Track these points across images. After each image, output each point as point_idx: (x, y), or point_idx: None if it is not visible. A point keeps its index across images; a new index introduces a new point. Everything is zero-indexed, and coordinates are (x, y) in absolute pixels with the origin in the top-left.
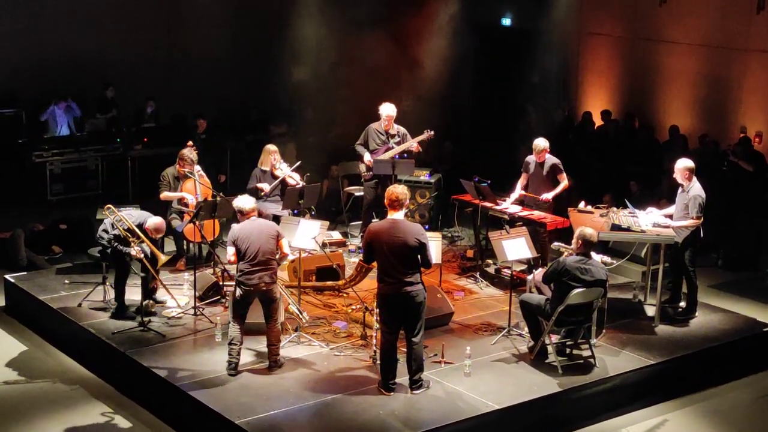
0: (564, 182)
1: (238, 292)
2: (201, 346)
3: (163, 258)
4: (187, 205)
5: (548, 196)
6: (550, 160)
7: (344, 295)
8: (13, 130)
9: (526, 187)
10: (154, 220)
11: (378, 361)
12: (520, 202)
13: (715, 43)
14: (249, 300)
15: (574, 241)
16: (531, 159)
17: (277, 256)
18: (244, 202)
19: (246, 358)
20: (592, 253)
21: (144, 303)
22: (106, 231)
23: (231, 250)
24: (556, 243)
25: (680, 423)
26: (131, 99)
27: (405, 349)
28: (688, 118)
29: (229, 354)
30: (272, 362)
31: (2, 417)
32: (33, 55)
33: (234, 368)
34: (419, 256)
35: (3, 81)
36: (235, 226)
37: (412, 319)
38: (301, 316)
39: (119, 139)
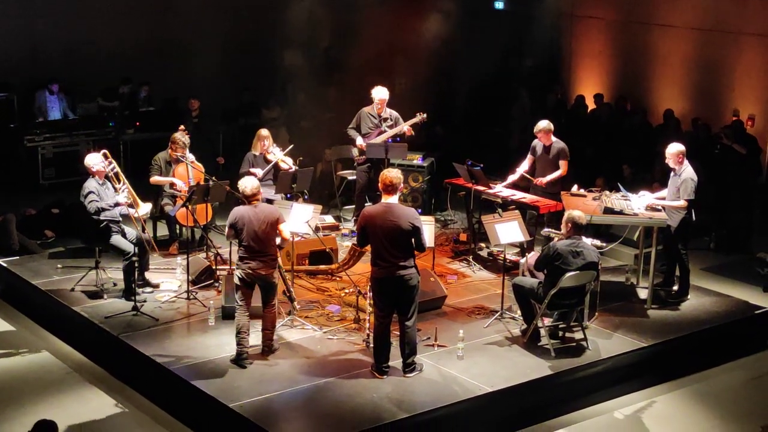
0: (562, 170)
1: (238, 276)
2: (194, 330)
3: (141, 207)
4: (178, 190)
5: (543, 180)
6: (558, 144)
7: (337, 278)
8: (5, 115)
9: (533, 171)
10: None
11: (371, 345)
12: (514, 185)
13: (708, 27)
14: (250, 284)
15: (563, 225)
16: (537, 143)
17: (278, 241)
18: (245, 184)
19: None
20: (583, 237)
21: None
22: (90, 192)
23: (228, 231)
24: (546, 229)
25: (672, 405)
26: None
27: (398, 333)
28: (680, 101)
29: (239, 344)
30: (266, 347)
31: None
32: (24, 39)
33: (246, 358)
34: (413, 240)
35: None
36: (236, 209)
37: (405, 303)
38: (292, 304)
39: (111, 124)
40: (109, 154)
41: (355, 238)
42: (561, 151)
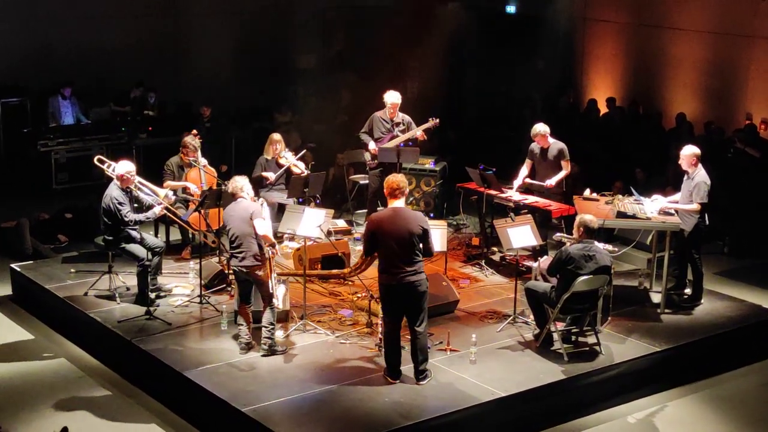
0: (566, 169)
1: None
2: (207, 334)
3: (160, 192)
4: (191, 194)
5: (551, 182)
6: (557, 145)
7: (349, 283)
8: (18, 120)
9: (532, 174)
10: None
11: (383, 349)
12: (526, 189)
13: (720, 30)
14: (240, 278)
15: (574, 229)
16: (535, 146)
17: (260, 240)
18: (230, 182)
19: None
20: (595, 241)
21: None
22: (120, 204)
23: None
24: (557, 234)
25: (685, 410)
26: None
27: (409, 337)
28: (693, 105)
29: (238, 333)
30: (264, 345)
31: (10, 405)
32: (37, 44)
33: (244, 348)
34: (421, 245)
35: (7, 70)
36: (226, 208)
37: (414, 309)
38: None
39: (124, 128)
40: (105, 159)
41: (362, 247)
42: (560, 151)
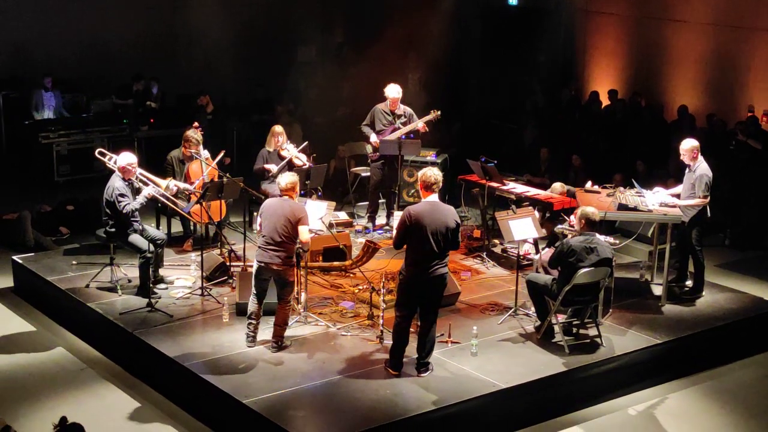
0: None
1: (255, 265)
2: (208, 326)
3: (162, 184)
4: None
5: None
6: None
7: (351, 275)
8: (20, 112)
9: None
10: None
11: (385, 341)
12: (528, 181)
13: (723, 22)
14: (263, 276)
15: (576, 221)
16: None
17: (297, 243)
18: (281, 178)
19: (258, 337)
20: (597, 234)
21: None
22: (121, 195)
23: (257, 221)
24: (559, 226)
25: (686, 402)
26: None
27: (412, 330)
28: (695, 97)
29: (247, 327)
30: (273, 342)
31: (12, 397)
32: (37, 36)
33: (251, 341)
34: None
35: (8, 63)
36: (266, 200)
37: (434, 302)
38: (297, 304)
39: (126, 120)
40: (105, 152)
41: (394, 237)
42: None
